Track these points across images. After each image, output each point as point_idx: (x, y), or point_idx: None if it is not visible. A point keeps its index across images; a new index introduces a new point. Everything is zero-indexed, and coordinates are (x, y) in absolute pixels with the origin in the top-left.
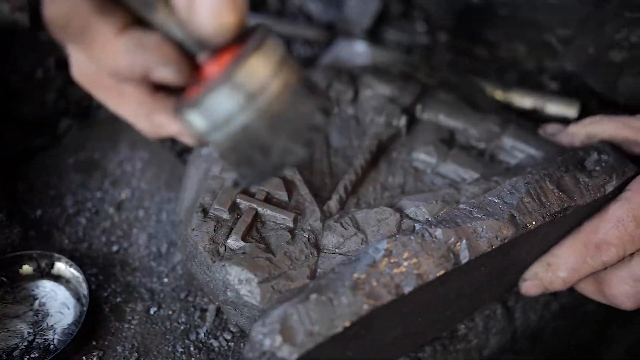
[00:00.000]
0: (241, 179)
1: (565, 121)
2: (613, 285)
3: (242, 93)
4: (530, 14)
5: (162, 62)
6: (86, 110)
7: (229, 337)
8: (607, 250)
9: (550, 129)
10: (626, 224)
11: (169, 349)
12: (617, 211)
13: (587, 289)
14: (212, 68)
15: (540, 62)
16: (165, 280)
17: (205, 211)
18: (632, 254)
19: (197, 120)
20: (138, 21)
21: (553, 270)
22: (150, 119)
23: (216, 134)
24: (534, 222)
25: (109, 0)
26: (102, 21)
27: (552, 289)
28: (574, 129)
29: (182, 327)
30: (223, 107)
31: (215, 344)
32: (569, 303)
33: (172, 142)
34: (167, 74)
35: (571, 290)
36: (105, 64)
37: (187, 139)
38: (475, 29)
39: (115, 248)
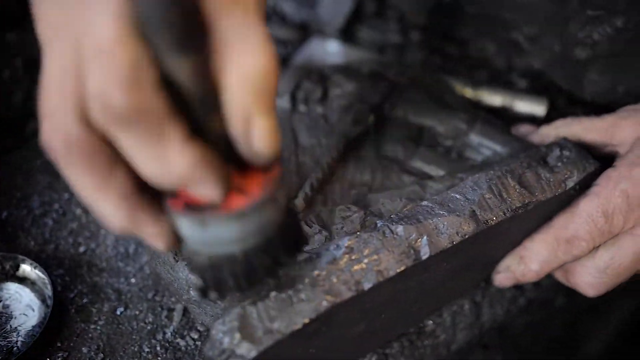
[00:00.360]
0: (206, 293)
1: (534, 119)
2: (577, 275)
3: (258, 223)
4: (497, 12)
5: (216, 180)
6: None
7: (195, 336)
8: (578, 245)
9: (523, 129)
10: (596, 219)
11: (135, 349)
12: (587, 206)
13: (555, 274)
14: (248, 186)
15: (509, 60)
16: (133, 280)
17: None
18: (598, 246)
19: (201, 232)
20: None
21: (525, 263)
22: (131, 215)
23: (204, 248)
24: (494, 218)
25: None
26: (175, 124)
27: (524, 281)
28: (545, 130)
29: (148, 327)
30: (238, 229)
31: (182, 343)
32: (536, 298)
33: None
34: (213, 192)
35: (537, 285)
36: (159, 170)
37: (158, 244)
38: (446, 28)
39: (82, 249)
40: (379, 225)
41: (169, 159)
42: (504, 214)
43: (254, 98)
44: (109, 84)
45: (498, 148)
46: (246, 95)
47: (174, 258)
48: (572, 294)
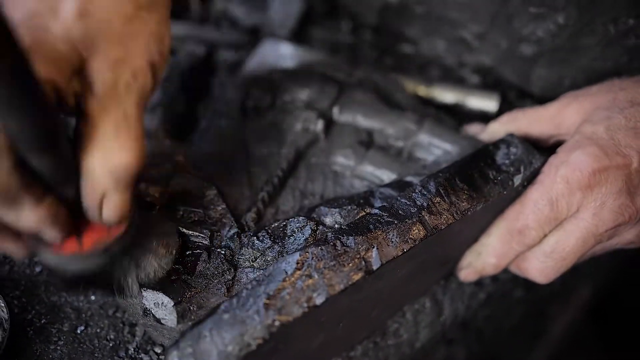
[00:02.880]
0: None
1: (486, 114)
2: (527, 260)
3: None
4: (444, 12)
5: (58, 231)
6: None
7: (159, 351)
8: (529, 234)
9: (473, 129)
10: (541, 207)
11: None
12: (532, 195)
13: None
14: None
15: (460, 57)
16: (93, 297)
17: None
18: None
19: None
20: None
21: (484, 258)
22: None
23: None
24: (444, 222)
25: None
26: (27, 194)
27: (486, 274)
28: (493, 127)
29: (110, 344)
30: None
31: (146, 358)
32: (495, 291)
33: None
34: (54, 239)
35: (496, 279)
36: (15, 222)
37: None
38: (396, 27)
39: (38, 269)
40: (329, 237)
41: (22, 217)
42: (454, 217)
43: (113, 183)
44: None
45: (448, 147)
46: (106, 180)
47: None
48: (530, 286)
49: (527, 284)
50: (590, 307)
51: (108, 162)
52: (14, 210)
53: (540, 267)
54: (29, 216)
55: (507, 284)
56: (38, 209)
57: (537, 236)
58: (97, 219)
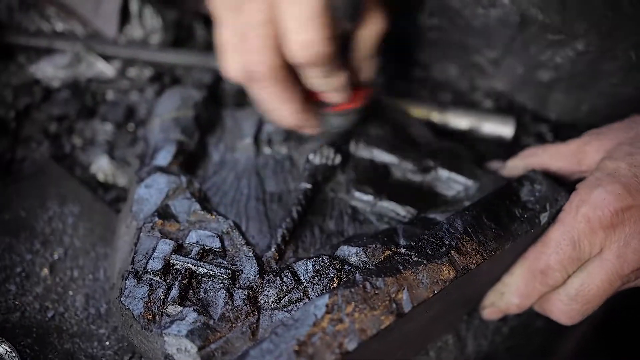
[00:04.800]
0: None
1: (501, 140)
2: (550, 302)
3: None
4: (458, 38)
5: (346, 91)
6: (8, 165)
7: None
8: (552, 275)
9: (493, 166)
10: (564, 247)
11: None
12: (554, 235)
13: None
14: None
15: (472, 82)
16: (107, 343)
17: (138, 275)
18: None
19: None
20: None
21: (507, 298)
22: (300, 115)
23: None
24: (474, 262)
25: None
26: (339, 62)
27: (510, 313)
28: (512, 163)
29: None
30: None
31: None
32: (519, 324)
33: (104, 191)
34: (342, 98)
35: (519, 314)
36: (326, 86)
37: (314, 130)
38: (407, 52)
39: (50, 314)
40: (358, 278)
41: (333, 81)
42: (483, 256)
43: (374, 47)
44: (314, 41)
45: (468, 182)
46: (371, 45)
47: (147, 328)
48: None
49: None
50: (599, 321)
51: (372, 31)
52: (329, 74)
53: (565, 310)
54: (340, 78)
55: (530, 316)
56: (343, 72)
57: (561, 277)
58: (362, 78)
